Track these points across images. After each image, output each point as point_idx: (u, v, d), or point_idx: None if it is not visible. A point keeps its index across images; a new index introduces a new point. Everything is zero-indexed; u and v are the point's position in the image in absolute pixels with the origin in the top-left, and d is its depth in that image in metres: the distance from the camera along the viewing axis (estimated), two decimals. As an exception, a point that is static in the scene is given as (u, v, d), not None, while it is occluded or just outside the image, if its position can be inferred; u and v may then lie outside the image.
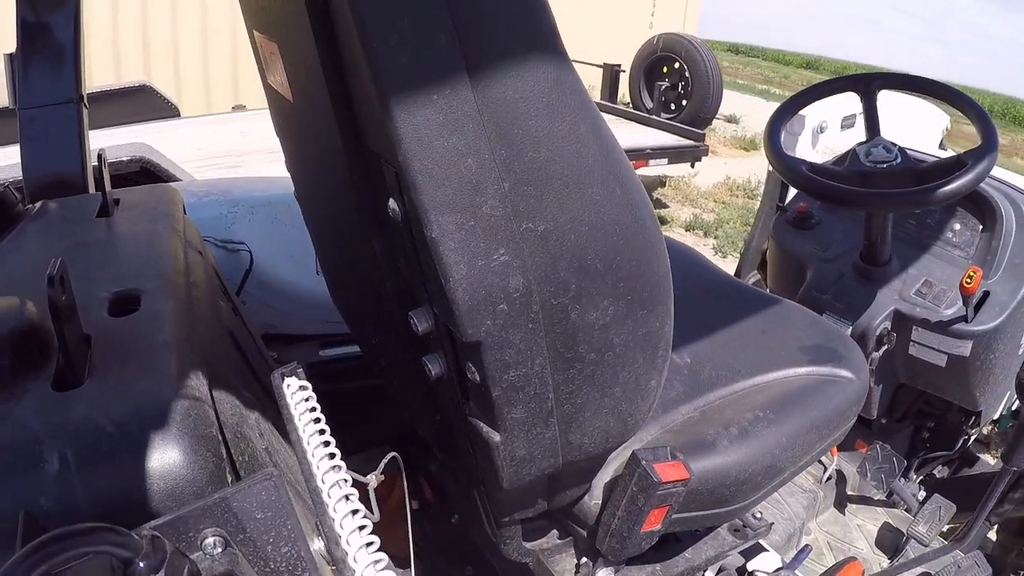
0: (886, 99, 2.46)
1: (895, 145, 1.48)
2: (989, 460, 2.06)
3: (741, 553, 1.34)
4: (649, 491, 0.79)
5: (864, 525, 1.74)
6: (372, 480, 0.52)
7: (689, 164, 4.82)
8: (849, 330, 1.60)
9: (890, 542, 1.67)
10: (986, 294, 1.52)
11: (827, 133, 2.42)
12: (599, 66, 5.77)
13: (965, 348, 1.51)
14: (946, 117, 2.88)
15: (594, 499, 0.87)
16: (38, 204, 0.94)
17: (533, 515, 0.84)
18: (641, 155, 4.55)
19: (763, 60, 22.72)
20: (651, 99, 5.88)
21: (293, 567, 0.42)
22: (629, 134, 4.88)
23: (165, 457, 0.47)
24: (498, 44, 0.51)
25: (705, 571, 1.24)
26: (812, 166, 1.49)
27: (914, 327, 1.56)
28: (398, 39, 0.49)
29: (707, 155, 4.76)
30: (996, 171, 1.75)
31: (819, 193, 1.48)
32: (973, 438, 1.92)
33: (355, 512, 0.45)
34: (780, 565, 1.26)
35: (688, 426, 0.98)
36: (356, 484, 0.50)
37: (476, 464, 0.74)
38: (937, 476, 2.00)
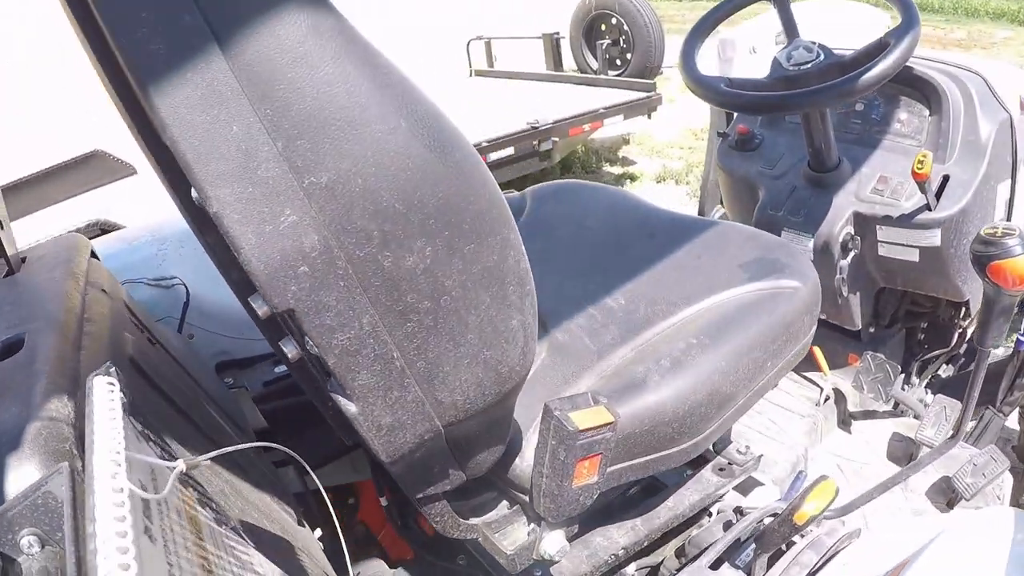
0: (821, 8, 2.37)
1: (815, 44, 1.40)
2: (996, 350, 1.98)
3: (738, 490, 1.28)
4: (568, 442, 0.73)
5: (873, 440, 1.67)
6: (155, 496, 0.45)
7: (646, 116, 4.73)
8: (811, 242, 1.52)
9: (902, 452, 1.60)
10: (945, 178, 1.45)
11: (762, 53, 2.33)
12: (538, 38, 5.67)
13: (935, 237, 1.44)
14: (887, 15, 2.78)
15: (525, 460, 0.81)
16: None
17: (452, 487, 0.78)
18: (595, 116, 4.46)
19: (708, 1, 22.57)
20: (596, 59, 5.78)
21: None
22: (579, 98, 4.79)
23: (20, 472, 0.49)
24: (241, 7, 0.50)
25: (700, 515, 1.17)
26: (731, 81, 1.42)
27: (877, 226, 1.49)
28: (146, 31, 0.49)
29: (661, 104, 4.66)
30: (937, 53, 1.67)
31: (742, 106, 1.42)
32: (971, 329, 1.84)
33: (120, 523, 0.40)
34: (779, 497, 1.19)
35: (622, 368, 0.91)
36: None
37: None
38: (943, 376, 1.93)
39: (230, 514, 0.72)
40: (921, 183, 1.37)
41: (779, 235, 1.59)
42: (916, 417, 1.67)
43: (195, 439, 0.84)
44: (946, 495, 1.45)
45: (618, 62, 5.80)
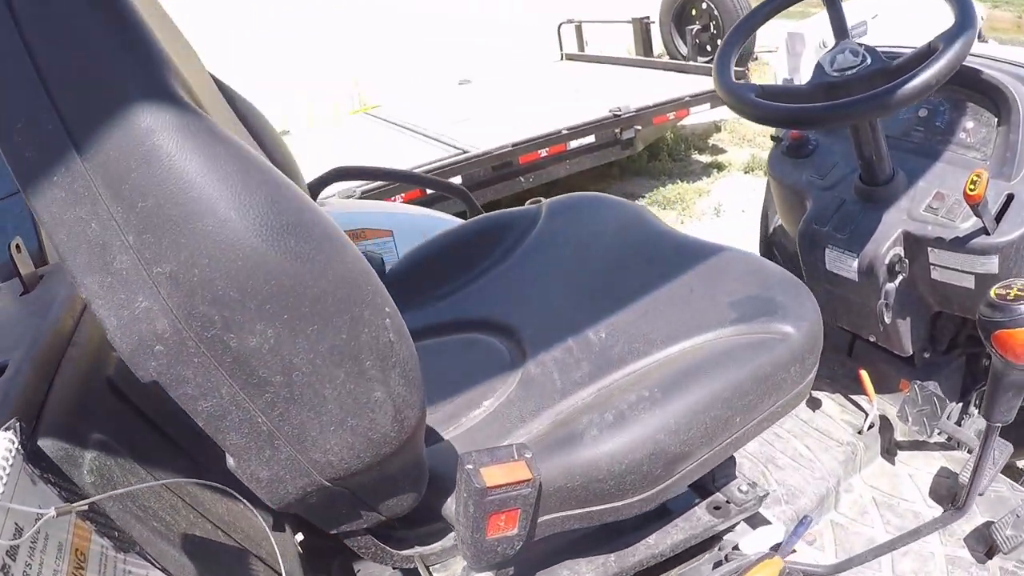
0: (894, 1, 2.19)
1: (862, 46, 1.28)
2: None
3: (748, 523, 1.22)
4: (476, 497, 0.72)
5: (917, 473, 1.55)
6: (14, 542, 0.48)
7: (736, 105, 4.54)
8: (855, 262, 1.42)
9: (946, 490, 1.48)
10: (1010, 198, 1.30)
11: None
12: (628, 22, 5.54)
13: (992, 264, 1.30)
14: (981, 7, 2.52)
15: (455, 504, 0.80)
16: None
17: (371, 525, 0.79)
18: (680, 104, 4.33)
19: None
20: (685, 45, 5.58)
21: None
22: (667, 84, 4.66)
23: None
24: (92, 112, 0.54)
25: (706, 545, 1.12)
26: (763, 90, 1.33)
27: (929, 248, 1.36)
28: (20, 140, 0.54)
29: (752, 92, 4.46)
30: (1017, 52, 1.51)
31: (769, 119, 1.32)
32: None
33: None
34: (780, 540, 1.13)
35: (571, 416, 0.88)
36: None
37: None
38: None
39: (174, 530, 0.75)
40: (974, 205, 1.23)
41: (823, 252, 1.49)
42: (969, 451, 1.54)
43: (168, 458, 0.87)
44: (987, 543, 1.34)
45: (708, 48, 5.58)
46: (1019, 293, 0.91)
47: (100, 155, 0.53)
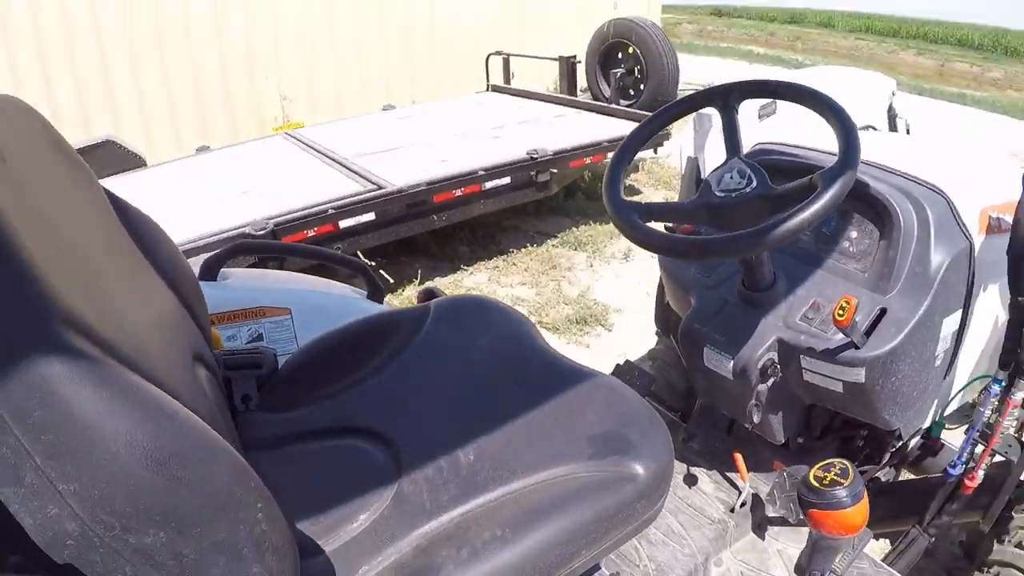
0: (823, 77, 2.26)
1: (749, 166, 1.32)
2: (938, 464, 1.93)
3: None
4: None
5: (786, 549, 1.66)
6: None
7: (652, 151, 4.70)
8: (731, 364, 1.50)
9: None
10: (882, 312, 1.38)
11: (744, 125, 2.26)
12: (555, 59, 5.67)
13: (859, 375, 1.38)
14: (892, 81, 2.68)
15: None
16: None
17: None
18: (598, 149, 4.45)
19: (747, 19, 21.97)
20: (608, 86, 5.73)
21: None
22: (588, 125, 4.80)
23: None
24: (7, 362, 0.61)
25: None
26: (650, 209, 1.37)
27: (801, 356, 1.45)
28: None
29: (669, 139, 4.59)
30: (905, 164, 1.53)
31: (655, 248, 1.31)
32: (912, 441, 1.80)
33: None
34: None
35: (437, 544, 0.96)
36: None
37: None
38: (883, 479, 1.89)
39: None
40: (843, 329, 1.30)
41: (702, 350, 1.56)
42: None
43: None
44: None
45: (631, 92, 5.74)
46: (835, 478, 1.00)
47: (5, 393, 0.60)
